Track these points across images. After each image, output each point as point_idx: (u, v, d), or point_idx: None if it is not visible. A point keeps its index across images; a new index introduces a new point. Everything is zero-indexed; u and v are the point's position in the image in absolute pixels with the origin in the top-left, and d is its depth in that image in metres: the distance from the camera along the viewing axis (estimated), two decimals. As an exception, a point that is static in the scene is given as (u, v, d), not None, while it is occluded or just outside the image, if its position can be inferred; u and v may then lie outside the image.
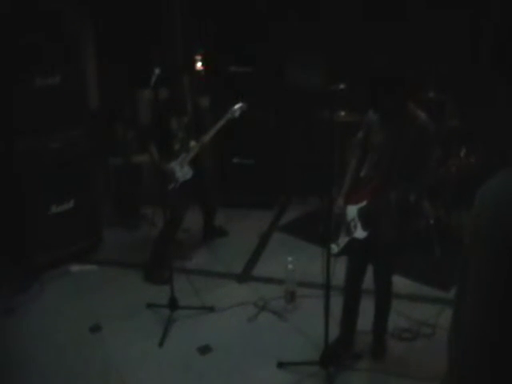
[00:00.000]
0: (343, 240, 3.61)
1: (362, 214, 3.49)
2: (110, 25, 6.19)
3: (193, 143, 4.91)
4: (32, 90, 4.67)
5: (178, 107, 4.90)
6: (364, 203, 3.49)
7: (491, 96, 5.11)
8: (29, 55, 4.60)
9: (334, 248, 3.62)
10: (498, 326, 1.43)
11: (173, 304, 4.31)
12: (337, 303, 3.77)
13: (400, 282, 4.31)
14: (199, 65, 6.25)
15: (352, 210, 3.55)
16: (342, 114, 5.44)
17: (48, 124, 4.81)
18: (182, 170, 4.85)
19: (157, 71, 3.99)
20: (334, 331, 3.77)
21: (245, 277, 4.94)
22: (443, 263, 4.90)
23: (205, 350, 4.01)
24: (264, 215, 6.02)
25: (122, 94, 6.29)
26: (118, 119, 6.27)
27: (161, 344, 4.06)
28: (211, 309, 4.42)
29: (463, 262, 1.56)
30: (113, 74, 6.20)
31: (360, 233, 3.50)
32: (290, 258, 4.43)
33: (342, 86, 3.30)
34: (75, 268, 5.09)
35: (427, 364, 3.74)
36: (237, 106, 4.87)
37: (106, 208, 5.90)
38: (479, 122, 5.03)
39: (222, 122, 4.88)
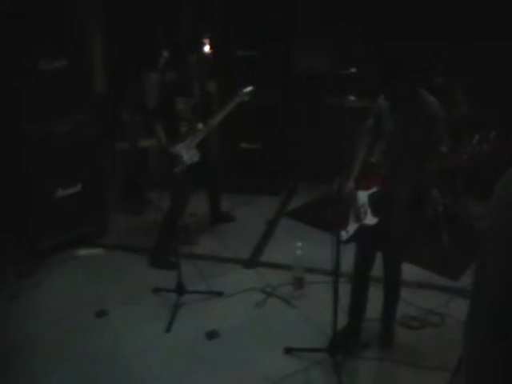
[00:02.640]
0: (353, 226, 3.58)
1: (372, 200, 3.46)
2: (116, 8, 6.13)
3: (200, 126, 4.87)
4: (38, 74, 4.62)
5: (185, 89, 4.85)
6: (374, 189, 3.45)
7: (505, 82, 5.05)
8: (35, 39, 4.55)
9: (343, 235, 3.59)
10: None
11: (180, 288, 4.29)
12: (345, 290, 3.75)
13: (408, 270, 4.27)
14: (206, 48, 6.19)
15: (362, 196, 3.51)
16: (352, 98, 5.37)
17: (55, 108, 4.77)
18: (188, 153, 4.81)
19: (165, 54, 3.95)
20: (342, 319, 3.75)
21: (252, 262, 4.91)
22: (451, 251, 4.88)
23: (212, 335, 4.00)
24: (271, 201, 5.98)
25: (128, 78, 6.24)
26: (125, 103, 6.23)
27: (168, 329, 4.05)
28: (219, 294, 4.40)
29: (482, 253, 1.52)
30: (119, 57, 6.15)
31: (370, 219, 3.47)
32: (298, 244, 4.40)
33: (352, 70, 3.26)
34: (81, 252, 5.08)
35: (435, 353, 3.73)
36: (246, 90, 4.81)
37: (112, 192, 5.87)
38: (492, 109, 4.97)
39: (231, 106, 4.83)
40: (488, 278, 1.48)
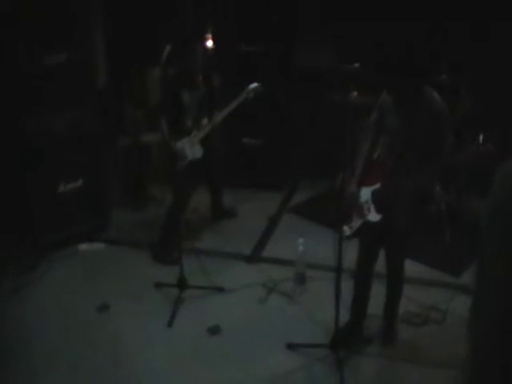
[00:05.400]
0: (356, 223, 3.57)
1: (375, 196, 3.44)
2: (118, 1, 6.11)
3: (205, 121, 4.86)
4: (40, 68, 4.61)
5: (189, 81, 4.83)
6: (378, 186, 3.44)
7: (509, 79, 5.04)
8: (36, 32, 4.53)
9: (347, 230, 3.58)
10: None
11: (182, 284, 4.28)
12: (347, 286, 3.74)
13: (411, 267, 4.26)
14: (209, 43, 6.16)
15: (366, 193, 3.50)
16: (355, 94, 5.35)
17: (56, 103, 4.75)
18: (192, 149, 4.80)
19: (168, 48, 3.93)
20: (345, 315, 3.75)
21: (254, 258, 4.90)
22: (454, 248, 4.86)
23: (214, 330, 3.99)
24: (273, 196, 5.96)
25: (130, 72, 6.23)
26: (127, 98, 6.22)
27: (170, 324, 4.04)
28: (221, 289, 4.39)
29: (481, 246, 1.52)
30: (121, 51, 6.13)
31: (373, 216, 3.46)
32: (300, 240, 4.40)
33: (355, 65, 3.24)
34: (83, 247, 5.07)
35: (437, 349, 3.74)
36: (252, 87, 4.80)
37: (114, 187, 5.86)
38: (496, 108, 4.96)
39: (235, 103, 4.81)
40: (488, 267, 1.47)
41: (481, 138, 4.55)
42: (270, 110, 5.89)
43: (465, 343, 1.67)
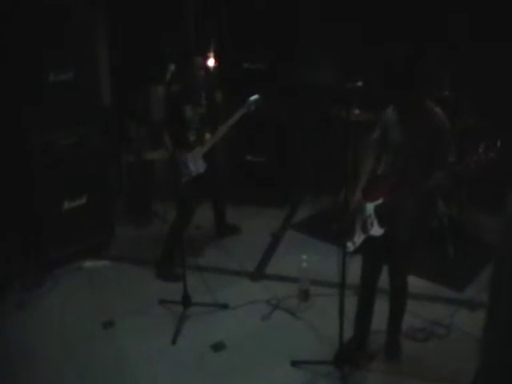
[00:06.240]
0: (359, 238, 3.58)
1: (378, 211, 3.46)
2: (122, 21, 6.19)
3: (208, 136, 4.89)
4: (45, 86, 4.66)
5: (191, 96, 4.87)
6: (381, 201, 3.46)
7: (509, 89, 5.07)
8: (42, 51, 4.59)
9: (350, 247, 3.60)
10: None
11: (186, 301, 4.29)
12: (351, 302, 3.75)
13: (414, 282, 4.27)
14: (211, 60, 6.22)
15: (369, 208, 3.51)
16: (356, 112, 5.40)
17: (61, 120, 4.80)
18: (195, 164, 4.82)
19: (171, 67, 3.97)
20: (349, 331, 3.75)
21: (258, 275, 4.91)
22: (457, 263, 4.88)
23: (218, 347, 3.99)
24: (276, 213, 6.00)
25: (134, 91, 6.28)
26: (131, 115, 6.26)
27: (174, 341, 4.05)
28: (225, 306, 4.40)
29: (497, 264, 1.54)
30: (125, 69, 6.19)
31: (376, 230, 3.47)
32: (304, 256, 4.41)
33: (359, 84, 3.27)
34: (88, 264, 5.09)
35: (441, 365, 3.72)
36: (252, 99, 4.82)
37: (118, 204, 5.89)
38: (497, 119, 4.98)
39: (237, 115, 4.83)
40: (504, 287, 1.49)
41: (482, 147, 4.56)
42: (272, 127, 5.94)
43: (476, 356, 1.67)
